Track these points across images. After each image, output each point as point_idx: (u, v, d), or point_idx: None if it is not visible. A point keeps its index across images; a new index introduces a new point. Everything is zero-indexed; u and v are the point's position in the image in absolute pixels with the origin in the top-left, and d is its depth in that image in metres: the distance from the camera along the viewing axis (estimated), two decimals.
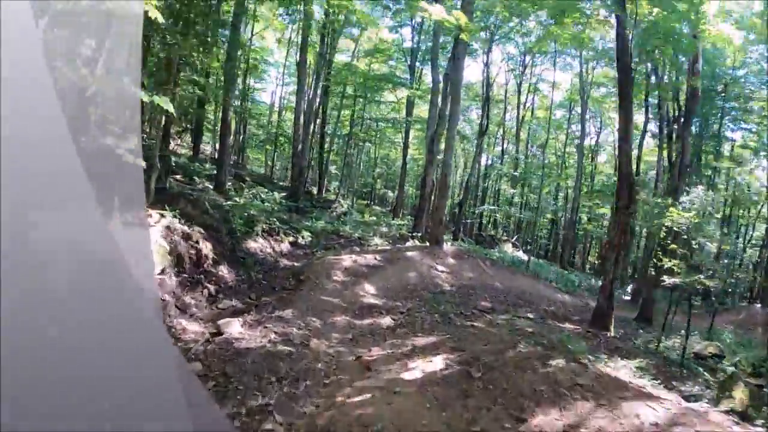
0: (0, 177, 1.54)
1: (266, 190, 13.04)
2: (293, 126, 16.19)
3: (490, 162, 29.24)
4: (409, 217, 21.76)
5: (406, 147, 22.61)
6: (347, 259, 8.99)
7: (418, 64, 23.09)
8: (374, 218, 16.97)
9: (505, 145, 29.09)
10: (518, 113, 26.90)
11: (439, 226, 11.70)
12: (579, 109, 25.05)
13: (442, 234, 11.95)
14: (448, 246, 12.26)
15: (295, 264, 9.32)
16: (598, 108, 26.35)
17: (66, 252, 1.87)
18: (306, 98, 16.23)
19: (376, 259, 9.65)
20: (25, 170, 1.70)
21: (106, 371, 1.77)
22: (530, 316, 9.04)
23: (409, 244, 12.29)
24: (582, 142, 24.17)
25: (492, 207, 23.13)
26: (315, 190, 20.98)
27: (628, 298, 17.04)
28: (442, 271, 10.43)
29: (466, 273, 11.08)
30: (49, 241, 1.79)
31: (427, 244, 12.26)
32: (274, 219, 10.41)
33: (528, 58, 25.11)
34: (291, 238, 10.81)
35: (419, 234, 13.77)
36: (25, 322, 1.64)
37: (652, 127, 18.88)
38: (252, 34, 20.15)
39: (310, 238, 11.52)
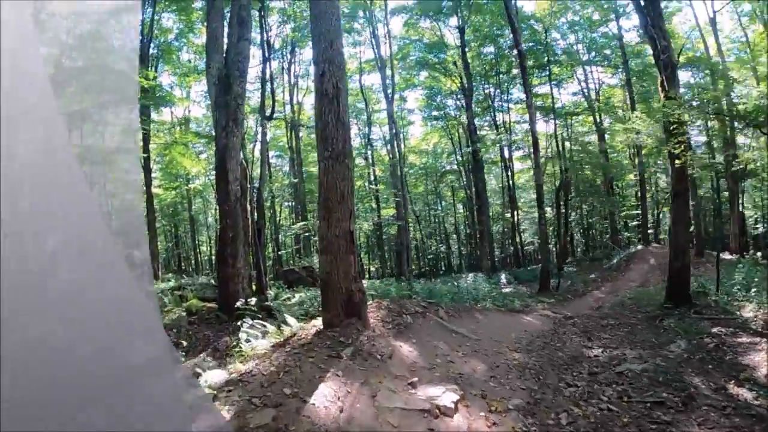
0: (0, 180, 1.55)
1: None
2: None
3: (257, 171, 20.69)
4: (174, 277, 13.27)
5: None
6: None
7: None
8: None
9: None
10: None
11: (350, 260, 3.96)
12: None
13: (359, 287, 4.14)
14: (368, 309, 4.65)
15: None
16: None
17: (66, 256, 1.85)
18: None
19: None
20: (24, 170, 1.72)
21: (107, 374, 1.78)
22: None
23: (260, 346, 4.03)
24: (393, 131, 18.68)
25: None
26: None
27: (524, 289, 13.20)
28: (449, 407, 2.94)
29: (471, 364, 3.99)
30: (50, 246, 1.80)
31: (312, 325, 4.38)
32: None
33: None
34: None
35: (252, 303, 5.62)
36: (27, 325, 1.64)
37: None
38: None
39: None
